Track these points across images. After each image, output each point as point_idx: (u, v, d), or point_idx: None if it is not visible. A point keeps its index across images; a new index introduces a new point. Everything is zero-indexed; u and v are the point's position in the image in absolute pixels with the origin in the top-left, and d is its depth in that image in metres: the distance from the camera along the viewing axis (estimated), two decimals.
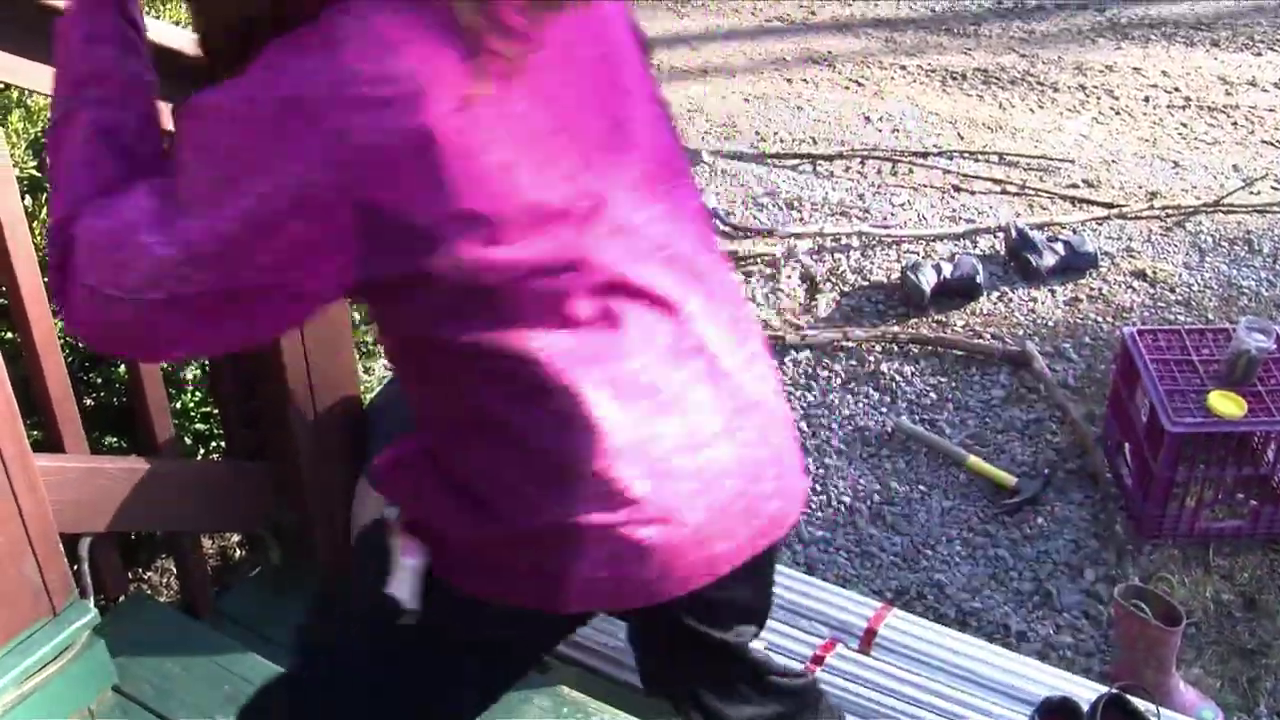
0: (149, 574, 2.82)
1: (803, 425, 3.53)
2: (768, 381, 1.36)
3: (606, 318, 1.19)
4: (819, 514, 3.23)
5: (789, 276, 4.16)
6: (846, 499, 3.28)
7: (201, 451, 2.63)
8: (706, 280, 1.29)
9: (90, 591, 2.11)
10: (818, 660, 2.27)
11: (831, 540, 3.16)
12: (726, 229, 4.36)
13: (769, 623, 2.34)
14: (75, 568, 2.11)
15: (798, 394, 3.64)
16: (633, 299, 1.21)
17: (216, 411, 2.57)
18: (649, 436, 1.23)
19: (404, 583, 1.31)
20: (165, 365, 2.46)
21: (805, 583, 2.45)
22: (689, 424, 1.25)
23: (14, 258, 1.92)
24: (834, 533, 3.18)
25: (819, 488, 3.31)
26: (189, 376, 2.59)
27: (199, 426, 2.61)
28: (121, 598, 2.39)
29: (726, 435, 1.28)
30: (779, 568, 2.50)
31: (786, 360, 3.76)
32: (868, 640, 2.32)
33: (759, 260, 4.23)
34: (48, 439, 2.12)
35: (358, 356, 2.68)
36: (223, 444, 2.62)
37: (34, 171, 2.28)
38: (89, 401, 2.46)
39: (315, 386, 2.36)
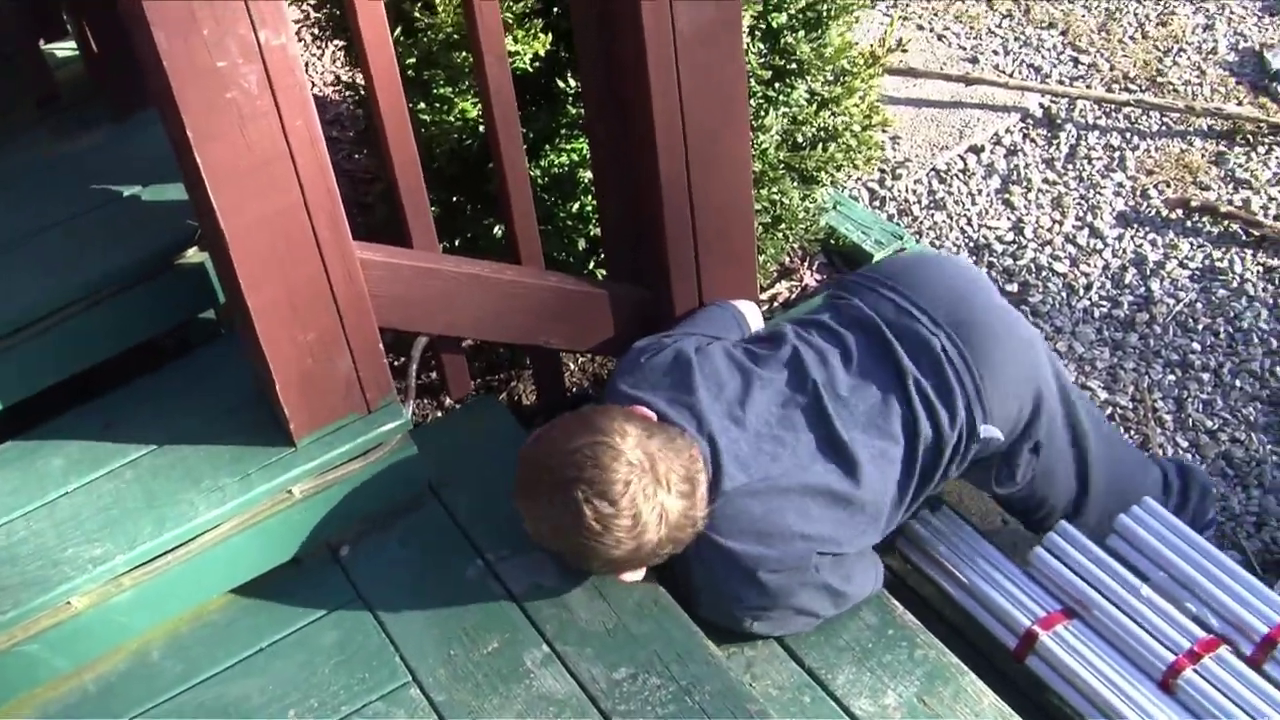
0: (515, 384, 2.73)
1: None
2: None
3: None
4: None
5: None
6: None
7: (592, 263, 2.50)
8: None
9: (412, 394, 2.06)
10: (1192, 656, 1.82)
11: None
12: None
13: (1142, 592, 1.91)
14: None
15: None
16: None
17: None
18: None
19: None
20: (552, 168, 2.34)
21: (1209, 555, 1.96)
22: None
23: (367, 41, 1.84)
24: None
25: None
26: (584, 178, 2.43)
27: (595, 231, 2.47)
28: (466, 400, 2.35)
29: None
30: (1180, 525, 2.03)
31: None
32: (1263, 650, 1.83)
33: None
34: (399, 233, 2.07)
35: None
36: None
37: None
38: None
39: (697, 209, 2.14)
